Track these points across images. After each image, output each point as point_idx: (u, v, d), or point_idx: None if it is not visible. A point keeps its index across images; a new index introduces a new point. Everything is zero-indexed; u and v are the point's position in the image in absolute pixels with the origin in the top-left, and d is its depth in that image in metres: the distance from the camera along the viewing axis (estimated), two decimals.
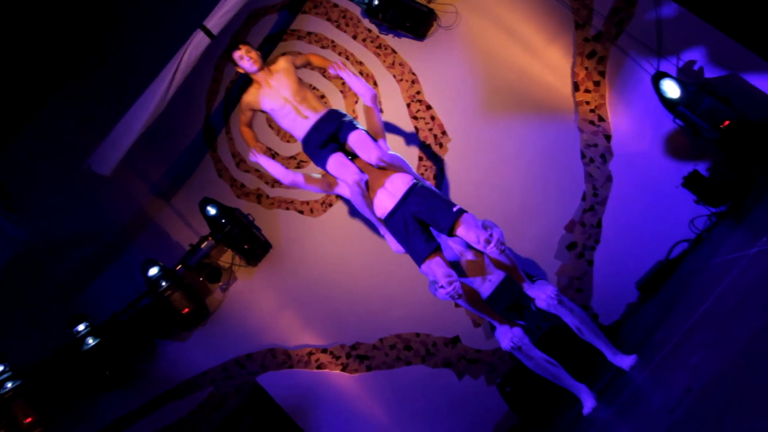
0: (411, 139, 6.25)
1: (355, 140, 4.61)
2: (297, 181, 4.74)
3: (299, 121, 4.73)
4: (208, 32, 5.67)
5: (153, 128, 6.03)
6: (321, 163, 4.70)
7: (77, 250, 6.78)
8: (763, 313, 2.72)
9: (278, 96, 4.73)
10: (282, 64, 4.81)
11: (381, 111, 4.84)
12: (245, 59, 4.67)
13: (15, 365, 6.12)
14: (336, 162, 4.61)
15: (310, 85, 6.05)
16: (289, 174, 4.74)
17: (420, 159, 6.22)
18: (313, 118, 4.71)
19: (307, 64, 5.03)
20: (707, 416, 2.47)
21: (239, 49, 4.68)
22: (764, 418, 2.00)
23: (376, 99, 4.76)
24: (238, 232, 6.38)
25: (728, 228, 4.90)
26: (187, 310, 6.42)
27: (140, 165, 6.81)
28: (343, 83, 6.27)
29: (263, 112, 4.88)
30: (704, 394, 2.64)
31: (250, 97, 4.81)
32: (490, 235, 4.22)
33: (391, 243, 4.54)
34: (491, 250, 4.23)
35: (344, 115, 4.79)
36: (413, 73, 6.26)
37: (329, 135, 4.67)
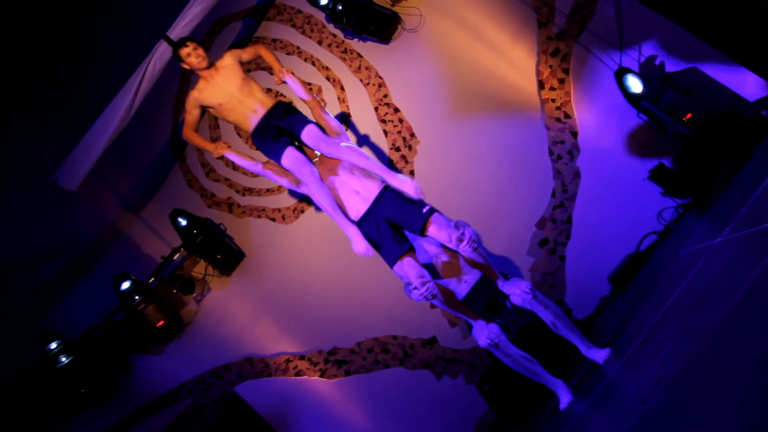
0: (380, 142, 6.26)
1: (308, 134, 4.61)
2: (266, 172, 4.75)
3: (247, 115, 4.74)
4: (171, 42, 5.62)
5: (120, 140, 5.96)
6: (275, 156, 4.68)
7: (46, 266, 6.67)
8: (726, 302, 2.77)
9: (224, 91, 4.72)
10: (227, 59, 4.79)
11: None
12: (192, 56, 4.65)
13: None
14: (290, 156, 4.60)
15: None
16: (258, 165, 4.74)
17: (390, 161, 6.23)
18: (261, 111, 4.71)
19: (256, 57, 5.02)
20: (677, 406, 2.51)
21: (186, 46, 4.65)
22: (730, 406, 2.04)
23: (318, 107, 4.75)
24: (210, 242, 6.35)
25: (694, 219, 4.98)
26: (161, 323, 6.35)
27: (109, 178, 6.74)
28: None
29: (209, 108, 4.83)
30: (674, 384, 2.68)
31: (196, 93, 4.77)
32: (462, 234, 4.25)
33: (355, 244, 4.48)
34: (464, 248, 4.26)
35: (294, 110, 4.80)
36: (380, 77, 6.28)
37: (279, 128, 4.66)
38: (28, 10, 6.76)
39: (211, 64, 4.73)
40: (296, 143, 4.69)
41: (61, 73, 6.93)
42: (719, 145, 4.99)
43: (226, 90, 4.73)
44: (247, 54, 4.90)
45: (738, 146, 4.85)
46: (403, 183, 4.28)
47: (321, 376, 6.35)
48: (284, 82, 4.75)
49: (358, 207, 4.44)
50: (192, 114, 4.82)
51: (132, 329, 6.37)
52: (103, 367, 6.39)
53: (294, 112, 4.75)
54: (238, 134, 6.60)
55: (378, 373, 6.25)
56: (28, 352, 6.24)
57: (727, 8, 4.71)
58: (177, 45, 4.72)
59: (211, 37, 6.67)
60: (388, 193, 4.43)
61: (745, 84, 5.17)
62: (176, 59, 4.76)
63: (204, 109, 4.84)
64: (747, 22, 4.65)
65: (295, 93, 4.75)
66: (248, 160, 4.75)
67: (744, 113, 5.03)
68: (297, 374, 6.39)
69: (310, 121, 4.68)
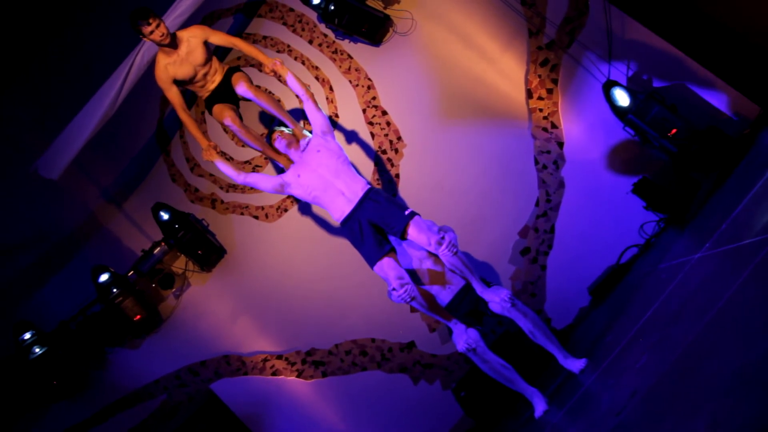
0: (367, 144, 6.25)
1: (240, 79, 4.95)
2: (249, 182, 4.76)
3: (208, 88, 4.97)
4: (132, 18, 5.54)
5: (105, 131, 5.91)
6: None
7: (24, 255, 6.59)
8: (702, 316, 2.79)
9: (187, 64, 4.79)
10: (191, 32, 4.81)
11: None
12: (155, 33, 4.60)
13: None
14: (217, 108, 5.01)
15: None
16: (242, 175, 4.75)
17: (376, 164, 6.23)
18: (217, 81, 4.97)
19: (230, 47, 5.06)
20: (651, 418, 2.52)
21: (149, 23, 4.57)
22: (703, 419, 2.05)
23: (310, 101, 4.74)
24: (192, 237, 6.30)
25: (675, 233, 5.02)
26: (138, 317, 6.30)
27: (91, 169, 6.67)
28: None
29: (178, 83, 4.88)
30: (648, 396, 2.69)
31: (161, 71, 4.77)
32: (442, 238, 4.25)
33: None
34: (443, 252, 4.26)
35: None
36: (369, 79, 6.27)
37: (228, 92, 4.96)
38: None
39: (173, 38, 4.71)
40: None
41: (48, 61, 6.85)
42: (702, 162, 5.04)
43: (190, 63, 4.78)
44: (217, 38, 4.91)
45: (720, 163, 4.89)
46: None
47: (298, 376, 6.33)
48: (280, 79, 4.75)
49: (342, 208, 4.45)
50: (171, 92, 4.85)
51: (109, 322, 6.32)
52: (78, 359, 6.34)
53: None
54: (225, 131, 6.56)
55: (355, 376, 6.23)
56: (1, 342, 6.16)
57: (715, 28, 4.76)
58: (137, 19, 4.57)
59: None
60: (371, 194, 4.44)
61: (730, 102, 5.22)
62: (137, 34, 4.66)
63: (181, 86, 4.90)
64: (734, 42, 4.71)
65: (290, 88, 4.74)
66: (234, 171, 4.75)
67: (728, 131, 5.08)
68: (274, 374, 6.36)
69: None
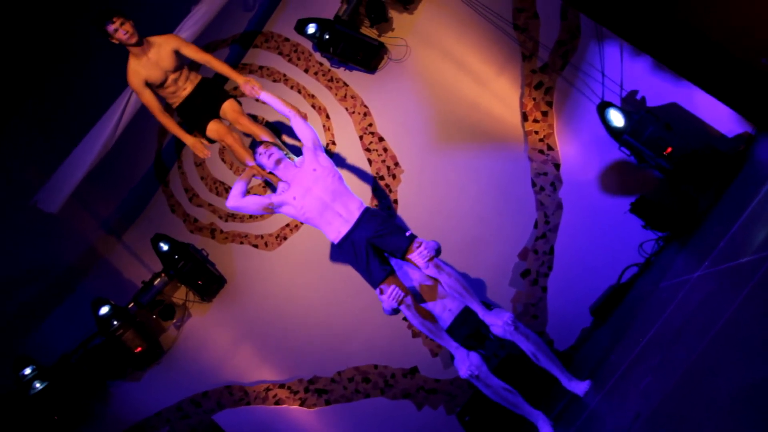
0: (364, 170, 6.28)
1: (228, 108, 5.13)
2: (236, 202, 4.65)
3: (179, 95, 5.04)
4: (96, 18, 5.58)
5: (103, 163, 5.93)
6: (201, 129, 5.12)
7: (23, 289, 6.57)
8: (703, 336, 2.79)
9: (157, 68, 4.82)
10: (164, 39, 4.87)
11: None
12: (120, 31, 4.60)
13: None
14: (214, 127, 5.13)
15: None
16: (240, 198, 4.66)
17: (374, 190, 6.25)
18: (189, 89, 5.05)
19: (202, 63, 5.05)
20: None
21: (112, 22, 4.57)
22: None
23: (297, 116, 4.73)
24: (192, 267, 6.30)
25: (674, 251, 5.02)
26: (140, 349, 6.27)
27: (90, 201, 6.68)
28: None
29: (149, 86, 4.91)
30: (651, 418, 2.68)
31: (131, 75, 4.80)
32: (419, 245, 4.24)
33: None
34: (417, 255, 4.24)
35: (214, 83, 5.27)
36: (365, 106, 6.32)
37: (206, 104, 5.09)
38: (13, 29, 6.76)
39: (141, 40, 4.71)
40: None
41: (46, 94, 6.90)
42: (699, 179, 5.06)
43: (160, 67, 4.82)
44: (189, 50, 4.95)
45: (716, 181, 4.91)
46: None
47: (301, 405, 6.28)
48: (257, 99, 4.78)
49: (339, 229, 4.39)
50: (144, 95, 4.90)
51: (110, 355, 6.29)
52: (79, 393, 6.28)
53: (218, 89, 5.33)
54: (223, 159, 6.60)
55: (359, 403, 6.19)
56: (1, 378, 6.12)
57: (706, 46, 4.81)
58: (102, 19, 4.57)
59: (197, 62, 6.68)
60: (368, 215, 4.41)
61: (724, 120, 5.26)
62: (104, 37, 4.64)
63: (154, 88, 4.96)
64: (726, 60, 4.76)
65: (272, 106, 4.74)
66: (238, 189, 4.67)
67: (722, 148, 5.11)
68: (277, 403, 6.32)
69: (230, 96, 5.17)
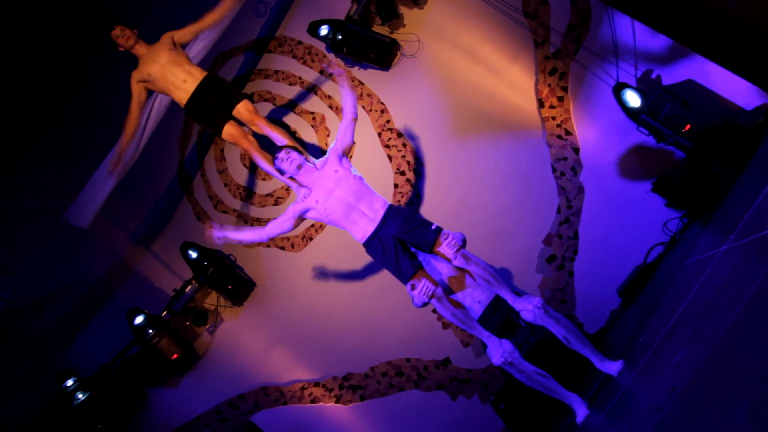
0: (385, 167, 6.34)
1: (242, 109, 5.41)
2: (260, 236, 4.68)
3: (182, 88, 5.39)
4: (103, 28, 5.84)
5: (128, 176, 6.07)
6: (216, 130, 5.48)
7: (60, 304, 6.76)
8: (733, 308, 2.82)
9: (154, 62, 5.35)
10: (161, 39, 5.42)
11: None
12: (121, 37, 5.33)
13: (4, 427, 6.05)
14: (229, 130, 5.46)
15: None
16: (251, 233, 4.74)
17: (396, 186, 6.31)
18: (191, 83, 5.39)
19: (197, 33, 5.58)
20: (691, 413, 2.54)
21: (114, 29, 5.33)
22: (742, 408, 2.08)
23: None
24: (221, 273, 6.42)
25: (699, 228, 5.02)
26: (175, 355, 6.41)
27: (118, 214, 6.84)
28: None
29: (147, 82, 5.42)
30: (687, 390, 2.71)
31: (135, 71, 5.43)
32: (446, 236, 4.30)
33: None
34: (446, 248, 4.30)
35: (224, 81, 5.57)
36: (382, 103, 6.38)
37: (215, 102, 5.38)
38: (34, 49, 6.92)
39: (138, 41, 5.37)
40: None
41: (68, 113, 7.07)
42: (719, 155, 5.05)
43: (157, 62, 5.33)
44: (180, 34, 5.49)
45: (737, 154, 4.90)
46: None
47: (336, 402, 6.37)
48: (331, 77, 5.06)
49: (365, 228, 4.44)
50: (134, 90, 5.44)
51: (147, 363, 6.43)
52: (120, 402, 6.43)
53: (225, 84, 5.62)
54: (245, 165, 6.70)
55: (393, 397, 6.25)
56: (45, 391, 6.29)
57: (718, 21, 4.80)
58: (107, 28, 5.34)
59: (213, 71, 6.79)
60: (392, 212, 4.45)
61: (741, 93, 5.24)
62: (110, 42, 5.39)
63: (148, 90, 5.49)
64: (739, 32, 4.74)
65: (345, 100, 4.57)
66: (252, 235, 4.74)
67: (741, 122, 5.09)
68: (312, 401, 6.41)
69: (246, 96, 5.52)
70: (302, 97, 6.61)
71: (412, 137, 6.30)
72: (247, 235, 4.74)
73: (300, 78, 6.64)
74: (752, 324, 2.60)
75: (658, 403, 2.99)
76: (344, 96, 4.54)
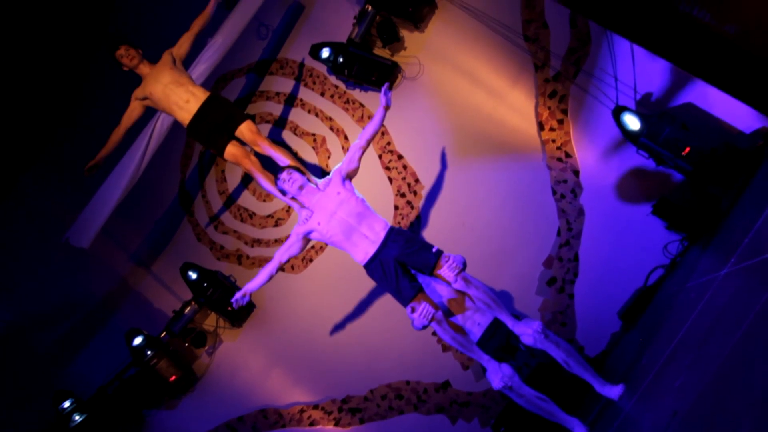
0: (385, 189, 6.35)
1: (245, 129, 5.46)
2: (273, 267, 4.69)
3: (185, 108, 5.43)
4: (108, 46, 5.89)
5: (129, 197, 6.08)
6: (219, 150, 5.50)
7: (59, 324, 6.74)
8: (734, 332, 2.80)
9: (157, 83, 5.42)
10: (162, 58, 5.51)
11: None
12: (125, 57, 5.45)
13: None
14: (231, 150, 5.49)
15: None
16: (265, 271, 4.68)
17: (396, 208, 6.31)
18: (194, 104, 5.42)
19: (192, 39, 5.66)
20: None
21: (119, 48, 5.45)
22: (744, 430, 2.06)
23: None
24: (221, 294, 6.41)
25: (699, 251, 5.01)
26: (174, 377, 6.37)
27: (118, 235, 6.84)
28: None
29: (147, 100, 5.50)
30: (689, 415, 2.69)
31: (137, 88, 5.51)
32: (447, 259, 4.29)
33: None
34: (446, 270, 4.29)
35: (227, 102, 5.62)
36: (382, 125, 6.39)
37: (217, 122, 5.41)
38: (36, 69, 6.97)
39: (142, 61, 5.46)
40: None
41: (71, 133, 7.10)
42: (719, 178, 5.05)
43: (160, 81, 5.39)
44: (177, 48, 5.58)
45: (737, 177, 4.91)
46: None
47: (336, 425, 6.31)
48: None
49: (366, 249, 4.44)
50: (130, 104, 5.53)
51: (145, 385, 6.39)
52: (117, 424, 6.38)
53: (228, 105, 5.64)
54: (245, 186, 6.71)
55: (393, 420, 6.20)
56: (42, 413, 6.24)
57: (717, 44, 4.83)
58: (111, 48, 5.46)
59: (216, 92, 6.83)
60: (393, 234, 4.46)
61: (741, 116, 5.26)
62: (116, 63, 5.51)
63: (143, 108, 5.56)
64: (737, 56, 4.77)
65: (375, 120, 4.65)
66: (262, 277, 4.67)
67: (741, 145, 5.10)
68: (311, 424, 6.36)
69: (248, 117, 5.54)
70: (303, 119, 6.64)
71: (413, 159, 6.32)
72: (262, 275, 4.66)
73: (301, 100, 6.68)
74: (754, 348, 2.58)
75: (659, 427, 2.96)
76: (373, 122, 4.63)
